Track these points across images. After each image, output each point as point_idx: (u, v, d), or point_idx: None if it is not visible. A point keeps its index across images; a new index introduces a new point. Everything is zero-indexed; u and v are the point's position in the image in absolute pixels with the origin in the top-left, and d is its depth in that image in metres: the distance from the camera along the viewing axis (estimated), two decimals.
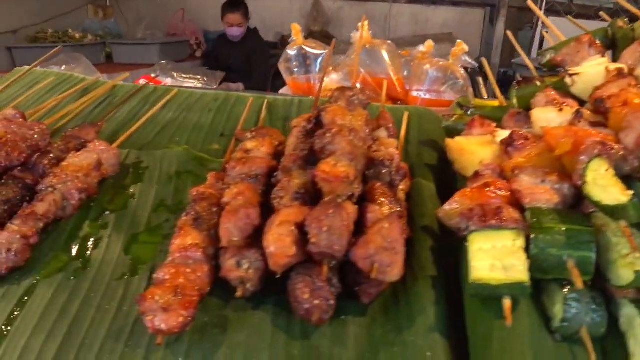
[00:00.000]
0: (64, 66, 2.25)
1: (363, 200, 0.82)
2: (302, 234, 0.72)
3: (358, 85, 1.52)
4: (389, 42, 1.63)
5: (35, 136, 1.08)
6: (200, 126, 1.24)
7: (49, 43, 4.11)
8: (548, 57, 1.15)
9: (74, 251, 0.88)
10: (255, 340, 0.68)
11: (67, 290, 0.80)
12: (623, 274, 0.72)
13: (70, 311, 0.76)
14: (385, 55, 1.59)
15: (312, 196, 0.81)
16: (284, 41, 5.34)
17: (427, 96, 1.58)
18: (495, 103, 1.34)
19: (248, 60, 4.35)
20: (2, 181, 0.99)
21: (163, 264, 0.75)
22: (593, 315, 0.72)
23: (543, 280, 0.75)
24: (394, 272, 0.71)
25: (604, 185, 0.75)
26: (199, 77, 2.59)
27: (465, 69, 1.60)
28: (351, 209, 0.74)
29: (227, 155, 1.05)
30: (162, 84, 2.09)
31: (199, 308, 0.70)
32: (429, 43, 1.64)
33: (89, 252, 0.87)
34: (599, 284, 0.75)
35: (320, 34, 5.24)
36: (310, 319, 0.69)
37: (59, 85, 1.48)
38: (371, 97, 1.28)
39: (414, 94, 1.62)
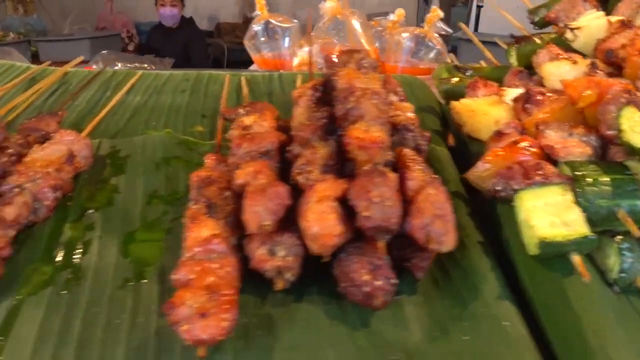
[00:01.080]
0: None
1: (394, 169, 0.72)
2: (345, 211, 0.62)
3: (334, 57, 1.41)
4: (358, 12, 1.54)
5: None
6: (176, 108, 1.09)
7: None
8: (540, 14, 1.10)
9: (59, 260, 0.72)
10: (314, 338, 0.57)
11: (61, 307, 0.64)
12: None
13: (72, 332, 0.61)
14: (356, 25, 1.49)
15: (338, 168, 0.71)
16: (219, 28, 5.12)
17: (404, 65, 1.50)
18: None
19: (185, 50, 4.12)
20: None
21: (180, 262, 0.62)
22: None
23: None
24: (449, 241, 0.62)
25: None
26: (146, 65, 2.38)
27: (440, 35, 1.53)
28: (394, 177, 0.64)
29: (217, 135, 0.92)
30: None
31: None
32: (400, 11, 1.56)
33: (77, 259, 0.72)
34: None
35: None
36: (371, 303, 0.59)
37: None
38: None
39: (393, 63, 1.53)
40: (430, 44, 1.45)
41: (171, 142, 0.93)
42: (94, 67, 2.12)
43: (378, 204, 0.59)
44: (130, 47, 4.61)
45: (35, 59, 3.96)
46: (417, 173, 0.69)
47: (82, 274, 0.70)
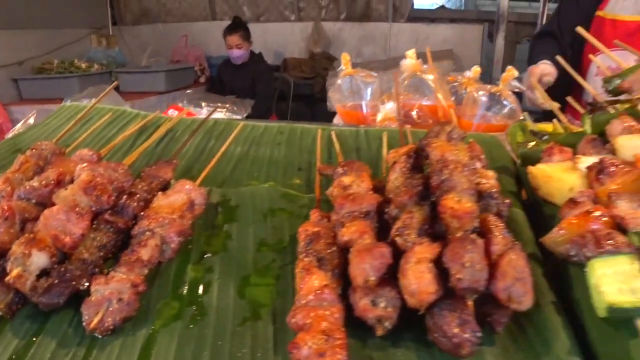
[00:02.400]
0: (93, 99, 2.25)
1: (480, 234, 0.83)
2: (437, 270, 0.74)
3: (414, 114, 1.55)
4: (437, 68, 1.67)
5: (120, 177, 1.08)
6: (274, 160, 1.25)
7: (55, 74, 4.10)
8: (615, 83, 1.19)
9: (185, 297, 0.87)
10: None
11: (192, 339, 0.79)
12: None
13: None
14: (431, 83, 1.62)
15: (430, 230, 0.83)
16: (286, 63, 5.40)
17: (479, 121, 1.61)
18: (549, 127, 1.38)
19: (253, 85, 4.40)
20: (94, 226, 0.99)
21: (296, 308, 0.75)
22: None
23: None
24: (527, 301, 0.73)
25: None
26: (227, 105, 2.61)
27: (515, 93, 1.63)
28: (481, 243, 0.75)
29: (316, 190, 1.06)
30: (196, 114, 2.11)
31: None
32: (476, 68, 1.68)
33: (201, 298, 0.87)
34: None
35: (321, 56, 5.31)
36: (458, 352, 0.70)
37: (115, 120, 1.48)
38: (428, 124, 1.31)
39: (467, 119, 1.65)
40: (505, 102, 1.55)
41: (275, 194, 1.08)
42: (180, 104, 2.35)
43: (469, 268, 0.71)
44: (202, 80, 4.95)
45: (115, 88, 4.34)
46: (500, 239, 0.80)
47: (206, 310, 0.84)
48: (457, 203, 0.79)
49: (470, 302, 0.71)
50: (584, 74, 2.31)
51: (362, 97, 1.71)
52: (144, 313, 0.85)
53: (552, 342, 0.75)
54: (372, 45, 5.28)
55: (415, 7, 5.61)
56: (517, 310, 0.74)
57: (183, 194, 1.04)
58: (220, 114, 2.27)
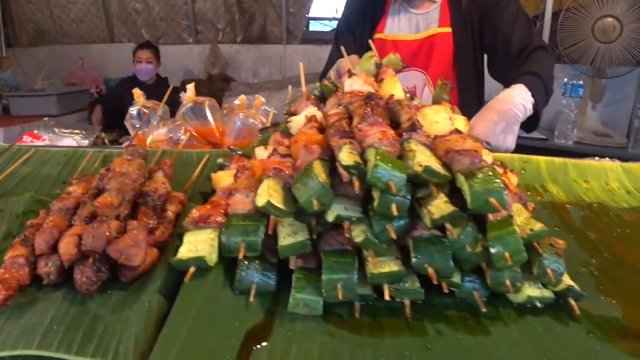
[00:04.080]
0: None
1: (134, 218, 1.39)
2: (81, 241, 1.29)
3: (183, 136, 2.11)
4: (210, 98, 2.24)
5: None
6: (49, 177, 1.80)
7: None
8: (287, 108, 1.79)
9: None
10: (52, 307, 1.24)
11: None
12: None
13: None
14: (207, 109, 2.19)
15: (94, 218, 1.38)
16: (184, 84, 5.95)
17: (235, 140, 2.19)
18: None
19: None
20: None
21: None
22: (262, 277, 1.27)
23: (236, 257, 1.32)
24: (137, 260, 1.28)
25: (262, 195, 1.33)
26: (77, 131, 3.12)
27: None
28: (114, 224, 1.31)
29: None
30: (41, 139, 2.63)
31: (20, 293, 1.24)
32: (242, 97, 2.25)
33: None
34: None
35: (219, 77, 5.87)
36: (82, 291, 1.25)
37: None
38: (193, 144, 1.88)
39: (227, 138, 2.23)
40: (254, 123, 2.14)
41: (32, 201, 1.62)
42: (35, 131, 2.87)
43: (91, 237, 1.26)
44: None
45: (6, 112, 4.75)
46: (137, 222, 1.36)
47: None
48: (104, 198, 1.35)
49: (91, 260, 1.26)
50: None
51: (148, 125, 2.28)
52: None
53: (150, 285, 1.30)
54: (268, 66, 5.93)
55: (311, 29, 6.28)
56: (131, 266, 1.29)
57: None
58: (70, 140, 2.81)
